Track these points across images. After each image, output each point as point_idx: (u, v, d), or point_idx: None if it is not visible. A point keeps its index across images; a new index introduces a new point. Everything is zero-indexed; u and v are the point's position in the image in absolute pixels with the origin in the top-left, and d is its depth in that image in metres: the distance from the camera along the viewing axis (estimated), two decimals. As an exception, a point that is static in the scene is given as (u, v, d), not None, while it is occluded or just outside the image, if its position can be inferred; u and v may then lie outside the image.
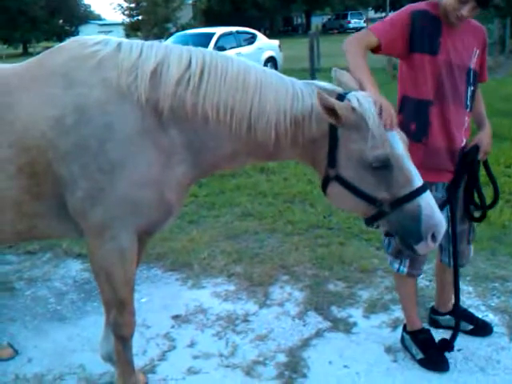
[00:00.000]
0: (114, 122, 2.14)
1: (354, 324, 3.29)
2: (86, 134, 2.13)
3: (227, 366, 2.96)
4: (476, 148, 2.74)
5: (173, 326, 3.35)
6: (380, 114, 2.16)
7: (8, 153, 2.15)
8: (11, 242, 3.79)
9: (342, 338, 3.17)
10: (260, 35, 17.90)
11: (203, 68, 2.20)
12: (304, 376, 2.85)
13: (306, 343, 3.13)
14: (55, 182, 2.19)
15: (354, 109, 2.14)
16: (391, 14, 2.79)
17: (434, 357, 2.87)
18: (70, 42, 2.39)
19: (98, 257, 2.32)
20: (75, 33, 49.19)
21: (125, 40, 2.34)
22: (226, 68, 2.22)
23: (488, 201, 2.89)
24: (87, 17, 63.96)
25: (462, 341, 2.93)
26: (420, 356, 2.90)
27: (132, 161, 2.16)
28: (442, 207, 2.54)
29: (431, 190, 2.33)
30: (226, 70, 2.21)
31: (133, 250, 2.31)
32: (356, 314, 3.40)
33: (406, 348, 3.01)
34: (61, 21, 52.64)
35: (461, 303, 2.96)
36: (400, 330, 3.11)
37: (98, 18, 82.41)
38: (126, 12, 37.38)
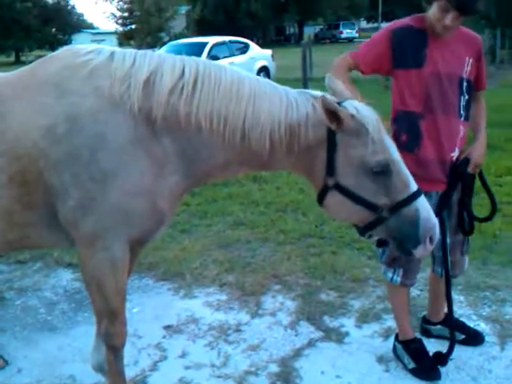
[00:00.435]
0: (106, 131, 2.13)
1: (346, 334, 3.29)
2: (77, 143, 2.12)
3: (219, 377, 2.94)
4: (466, 160, 2.74)
5: (164, 336, 3.33)
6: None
7: (0, 162, 2.14)
8: (1, 251, 3.77)
9: (334, 347, 3.17)
10: (253, 45, 17.97)
11: (196, 77, 2.20)
12: (296, 386, 2.84)
13: (298, 353, 3.12)
14: (46, 191, 2.17)
15: (352, 116, 2.15)
16: (373, 35, 2.82)
17: (426, 366, 2.87)
18: (62, 50, 2.38)
19: (89, 267, 2.30)
20: (68, 41, 49.07)
21: (118, 49, 2.33)
22: (220, 77, 2.21)
23: (485, 212, 2.90)
24: (80, 26, 63.91)
25: (453, 350, 2.93)
26: (412, 365, 2.90)
27: (124, 170, 2.14)
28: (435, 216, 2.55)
29: None
30: (220, 80, 2.20)
31: (124, 259, 2.30)
32: (348, 323, 3.39)
33: (398, 357, 3.00)
34: (54, 29, 52.57)
35: (452, 312, 2.96)
36: (392, 339, 3.11)
37: (91, 26, 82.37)
38: (119, 21, 37.47)
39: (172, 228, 4.77)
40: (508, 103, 10.07)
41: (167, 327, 3.43)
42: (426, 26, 2.67)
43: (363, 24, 68.02)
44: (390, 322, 3.30)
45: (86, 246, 2.26)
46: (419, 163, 2.68)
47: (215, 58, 14.22)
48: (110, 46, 2.41)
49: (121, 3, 36.10)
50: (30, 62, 2.80)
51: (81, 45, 2.37)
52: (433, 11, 2.60)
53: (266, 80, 2.34)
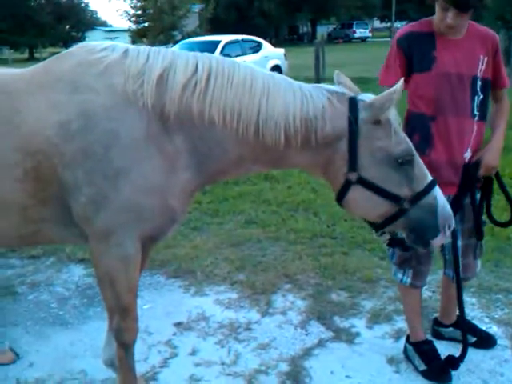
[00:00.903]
0: (119, 127, 2.13)
1: (357, 334, 3.28)
2: (91, 139, 2.13)
3: (229, 375, 2.95)
4: (477, 163, 2.70)
5: (175, 334, 3.34)
6: None
7: (15, 157, 2.16)
8: (15, 246, 3.79)
9: (344, 348, 3.16)
10: (265, 43, 17.95)
11: (210, 73, 2.19)
12: (306, 386, 2.84)
13: (308, 353, 3.12)
14: (60, 187, 2.18)
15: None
16: (387, 55, 2.80)
17: (436, 368, 2.86)
18: (76, 48, 2.39)
19: (102, 263, 2.31)
20: (81, 39, 49.40)
21: (132, 46, 2.34)
22: (233, 73, 2.20)
23: (499, 213, 2.86)
24: (93, 23, 64.31)
25: (466, 355, 2.91)
26: (423, 367, 2.89)
27: (136, 167, 2.15)
28: None
29: None
30: (233, 75, 2.20)
31: (137, 256, 2.31)
32: (359, 324, 3.38)
33: (408, 359, 2.99)
34: (67, 27, 52.94)
35: (464, 315, 2.94)
36: (403, 340, 3.10)
37: (104, 24, 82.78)
38: (133, 19, 37.52)
39: (184, 225, 4.78)
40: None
41: (178, 324, 3.44)
42: (435, 28, 2.66)
43: (376, 24, 67.80)
44: (401, 324, 3.29)
45: (98, 242, 2.27)
46: (431, 165, 2.64)
47: (228, 56, 14.15)
48: (124, 44, 2.42)
49: (134, 1, 36.15)
50: (44, 58, 2.82)
51: (95, 42, 2.37)
52: (436, 12, 2.60)
53: (280, 75, 2.34)
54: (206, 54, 2.30)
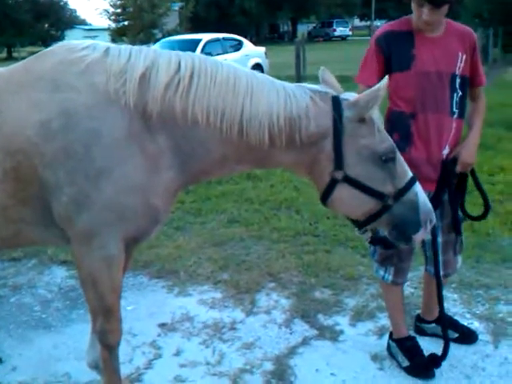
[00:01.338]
0: (100, 126, 2.11)
1: (341, 332, 3.30)
2: (71, 138, 2.10)
3: (214, 375, 2.95)
4: (454, 159, 2.73)
5: (159, 334, 3.33)
6: None
7: None
8: (-5, 248, 3.74)
9: (328, 345, 3.18)
10: (246, 42, 17.93)
11: (193, 72, 2.18)
12: (291, 384, 2.86)
13: (292, 351, 3.13)
14: (41, 187, 2.16)
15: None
16: (365, 53, 2.82)
17: (419, 364, 2.89)
18: (57, 46, 2.36)
19: (84, 264, 2.29)
20: (61, 38, 48.72)
21: (113, 45, 2.32)
22: (216, 72, 2.20)
23: (478, 211, 2.91)
24: (73, 22, 63.59)
25: (448, 353, 2.94)
26: (406, 363, 2.92)
27: (118, 166, 2.13)
28: None
29: None
30: (216, 74, 2.19)
31: (120, 257, 2.29)
32: (342, 321, 3.41)
33: (392, 355, 3.02)
34: (46, 25, 52.32)
35: (446, 311, 2.98)
36: (386, 337, 3.12)
37: (84, 23, 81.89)
38: (112, 17, 37.18)
39: (166, 225, 4.76)
40: (501, 102, 10.10)
41: (162, 325, 3.43)
42: (413, 27, 2.69)
43: (356, 22, 68.16)
44: (384, 321, 3.31)
45: (81, 243, 2.25)
46: (411, 163, 2.67)
47: (208, 55, 14.13)
48: (104, 42, 2.40)
49: (114, -1, 35.91)
50: (23, 58, 2.78)
51: (75, 41, 2.34)
52: (412, 9, 2.64)
53: (264, 75, 2.33)
54: (188, 52, 2.29)
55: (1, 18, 43.19)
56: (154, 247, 4.47)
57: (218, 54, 15.07)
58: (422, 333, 3.22)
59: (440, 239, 2.86)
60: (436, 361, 2.86)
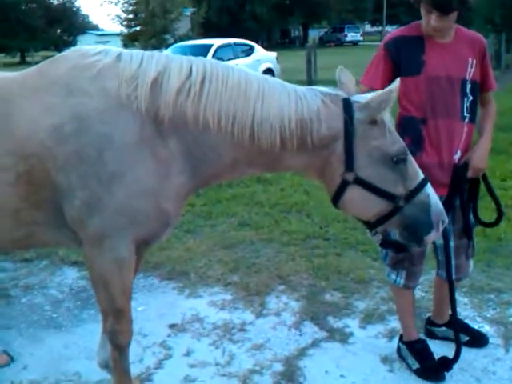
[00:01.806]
0: (112, 131, 2.13)
1: (351, 334, 3.30)
2: (84, 142, 2.12)
3: (223, 375, 2.96)
4: (465, 164, 2.73)
5: (169, 335, 3.35)
6: None
7: (7, 160, 2.15)
8: (8, 250, 3.78)
9: (338, 347, 3.18)
10: (257, 47, 18.00)
11: (204, 77, 2.19)
12: (300, 385, 2.85)
13: (302, 353, 3.13)
14: (54, 190, 2.18)
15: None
16: (373, 55, 2.83)
17: (430, 367, 2.88)
18: (70, 51, 2.38)
19: (96, 266, 2.31)
20: (73, 43, 49.13)
21: (125, 50, 2.34)
22: (227, 76, 2.21)
23: (490, 215, 2.90)
24: (85, 27, 64.05)
25: (459, 356, 2.92)
26: (416, 366, 2.91)
27: (130, 171, 2.15)
28: None
29: None
30: (227, 79, 2.20)
31: (131, 259, 2.31)
32: (352, 324, 3.40)
33: (402, 358, 3.01)
34: (59, 30, 52.75)
35: (457, 314, 2.97)
36: (396, 340, 3.12)
37: (96, 28, 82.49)
38: (124, 23, 37.45)
39: (177, 228, 4.78)
40: (513, 107, 10.04)
41: (172, 326, 3.44)
42: (423, 32, 2.69)
43: (367, 28, 68.08)
44: (394, 323, 3.31)
45: (92, 245, 2.27)
46: (422, 167, 2.67)
47: (220, 60, 14.05)
48: (116, 48, 2.42)
49: (126, 5, 36.10)
50: (36, 62, 2.82)
51: (88, 46, 2.37)
52: (422, 15, 2.64)
53: (275, 78, 2.34)
54: (200, 57, 2.30)
55: (14, 23, 43.64)
56: (164, 249, 4.49)
57: (229, 59, 15.11)
58: (432, 336, 3.20)
59: (452, 243, 2.85)
60: (447, 364, 2.85)
